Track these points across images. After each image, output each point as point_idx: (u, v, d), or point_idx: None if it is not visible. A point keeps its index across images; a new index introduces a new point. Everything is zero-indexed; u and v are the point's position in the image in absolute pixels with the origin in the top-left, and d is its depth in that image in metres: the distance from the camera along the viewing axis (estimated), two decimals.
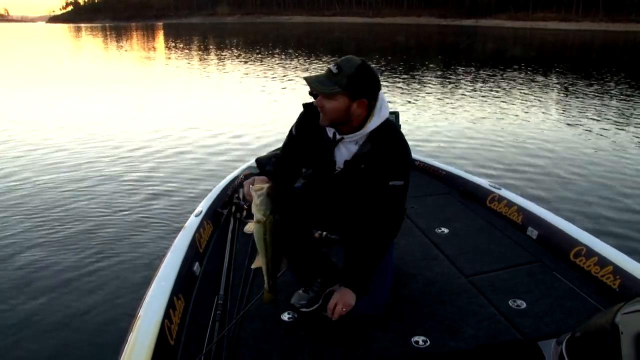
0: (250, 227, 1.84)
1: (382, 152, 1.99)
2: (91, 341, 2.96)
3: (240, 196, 3.46)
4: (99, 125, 9.13)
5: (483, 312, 2.29)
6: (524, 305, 2.33)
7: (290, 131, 2.24)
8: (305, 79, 1.97)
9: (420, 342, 2.07)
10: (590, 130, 8.83)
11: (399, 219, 2.10)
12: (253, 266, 1.94)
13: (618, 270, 2.42)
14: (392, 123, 2.08)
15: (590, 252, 2.60)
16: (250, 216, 3.19)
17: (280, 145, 4.18)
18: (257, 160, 3.97)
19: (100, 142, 7.80)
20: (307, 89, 2.15)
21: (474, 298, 2.41)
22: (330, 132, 2.08)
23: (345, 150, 2.06)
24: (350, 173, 2.06)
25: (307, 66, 19.60)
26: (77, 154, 7.11)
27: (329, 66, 1.93)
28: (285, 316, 2.25)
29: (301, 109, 2.22)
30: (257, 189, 1.81)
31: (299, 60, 22.69)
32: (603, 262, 2.51)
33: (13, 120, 9.60)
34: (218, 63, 22.40)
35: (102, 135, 8.30)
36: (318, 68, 18.28)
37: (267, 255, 1.86)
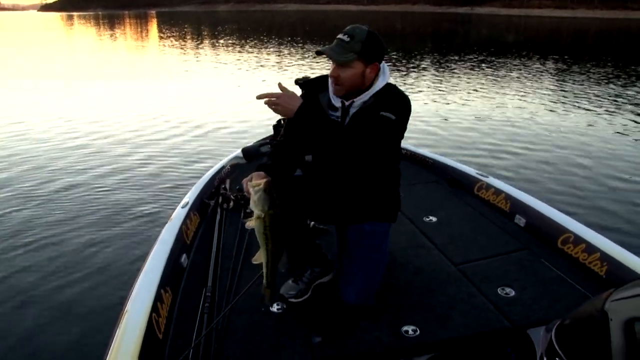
0: (250, 223, 1.84)
1: (384, 102, 2.01)
2: (77, 337, 2.90)
3: (227, 187, 3.45)
4: (84, 116, 8.96)
5: (472, 301, 2.29)
6: (512, 293, 2.34)
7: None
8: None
9: (410, 332, 2.07)
10: (581, 118, 8.81)
11: (379, 150, 1.97)
12: (254, 261, 1.92)
13: (605, 257, 2.43)
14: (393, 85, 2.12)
15: (577, 240, 2.61)
16: (237, 208, 3.18)
17: (267, 134, 4.19)
18: (244, 150, 3.94)
19: (85, 133, 7.62)
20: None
21: (463, 287, 2.41)
22: (336, 102, 2.08)
23: (351, 113, 2.09)
24: (352, 129, 2.03)
25: (300, 55, 19.46)
26: (61, 144, 6.99)
27: (338, 36, 1.96)
28: (275, 307, 2.25)
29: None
30: (255, 185, 1.81)
31: (291, 49, 22.55)
32: (590, 249, 2.52)
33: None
34: (210, 52, 22.17)
35: (88, 126, 8.15)
36: (314, 57, 18.14)
37: (267, 251, 1.86)
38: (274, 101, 1.90)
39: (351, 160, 2.00)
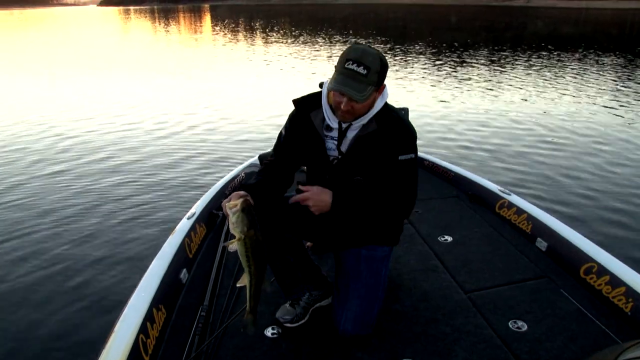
0: (232, 245, 1.76)
1: (387, 129, 1.93)
2: (65, 358, 2.74)
3: None
4: (101, 111, 8.91)
5: (479, 334, 2.15)
6: (524, 327, 2.18)
7: (280, 134, 2.13)
8: (342, 92, 1.80)
9: None
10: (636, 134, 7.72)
11: (412, 195, 2.01)
12: (238, 284, 1.83)
13: (631, 293, 2.23)
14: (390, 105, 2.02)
15: (601, 270, 2.41)
16: None
17: None
18: (261, 158, 3.85)
19: (98, 130, 7.55)
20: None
21: (471, 317, 2.26)
22: (333, 122, 1.97)
23: (349, 136, 1.99)
24: (354, 157, 1.97)
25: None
26: (69, 143, 6.82)
27: (350, 67, 1.77)
28: (269, 331, 2.17)
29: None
30: (231, 206, 1.72)
31: (335, 45, 22.23)
32: (615, 281, 2.32)
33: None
34: (259, 48, 21.97)
35: (103, 122, 8.09)
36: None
37: (250, 274, 1.78)
38: (306, 203, 1.88)
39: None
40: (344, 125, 1.96)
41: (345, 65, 1.78)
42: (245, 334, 2.12)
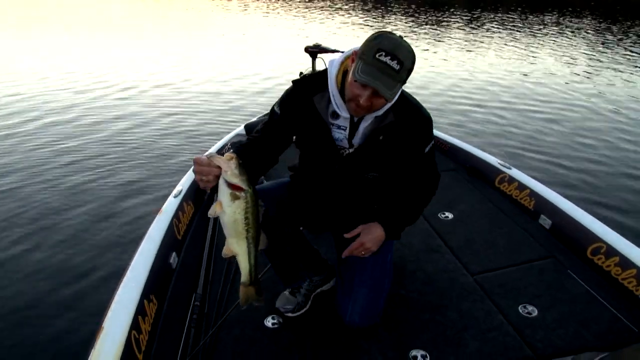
0: (217, 208, 1.46)
1: (406, 120, 1.76)
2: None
3: None
4: (76, 78, 8.36)
5: (489, 321, 2.07)
6: (535, 312, 2.11)
7: (273, 112, 1.85)
8: (366, 85, 1.57)
9: (419, 358, 1.87)
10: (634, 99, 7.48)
11: (437, 180, 2.00)
12: (225, 255, 1.56)
13: None
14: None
15: (610, 251, 2.34)
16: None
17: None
18: (247, 127, 3.66)
19: (75, 100, 7.03)
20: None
21: (479, 302, 2.18)
22: (342, 111, 1.74)
23: (361, 128, 1.78)
24: (369, 150, 1.79)
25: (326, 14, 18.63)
26: (42, 112, 6.38)
27: (383, 59, 1.53)
28: (269, 322, 2.04)
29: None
30: (228, 158, 1.44)
31: (311, 8, 21.50)
32: (625, 263, 2.25)
33: None
34: (229, 13, 20.82)
35: (79, 91, 7.58)
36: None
37: (247, 239, 1.52)
38: (364, 249, 1.83)
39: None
40: (355, 119, 1.75)
41: (377, 56, 1.53)
42: (243, 324, 2.01)
